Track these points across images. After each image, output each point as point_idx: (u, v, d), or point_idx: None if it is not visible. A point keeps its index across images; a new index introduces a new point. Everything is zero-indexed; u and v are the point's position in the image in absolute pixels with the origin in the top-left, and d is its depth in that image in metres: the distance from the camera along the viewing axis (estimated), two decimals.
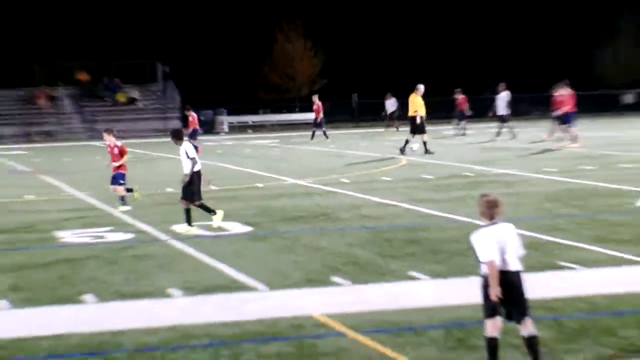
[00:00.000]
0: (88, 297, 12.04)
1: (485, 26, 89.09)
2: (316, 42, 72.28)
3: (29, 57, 69.22)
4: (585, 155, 31.37)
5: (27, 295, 12.23)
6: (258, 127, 64.63)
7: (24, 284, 12.96)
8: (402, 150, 34.70)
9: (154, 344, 9.74)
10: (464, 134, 47.59)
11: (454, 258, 13.88)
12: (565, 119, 37.16)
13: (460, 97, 49.99)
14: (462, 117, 49.73)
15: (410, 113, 35.71)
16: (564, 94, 37.37)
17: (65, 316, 11.09)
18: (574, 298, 11.19)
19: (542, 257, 13.57)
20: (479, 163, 29.65)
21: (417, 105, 35.51)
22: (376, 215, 18.68)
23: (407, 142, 35.06)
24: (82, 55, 70.71)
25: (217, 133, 60.68)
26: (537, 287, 11.63)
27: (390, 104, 57.58)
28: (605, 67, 75.87)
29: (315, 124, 48.51)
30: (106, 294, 12.16)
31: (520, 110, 70.23)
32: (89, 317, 11.05)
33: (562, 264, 13.17)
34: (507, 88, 44.23)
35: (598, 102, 70.52)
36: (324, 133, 47.32)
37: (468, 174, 26.39)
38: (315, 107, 48.40)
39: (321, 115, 48.09)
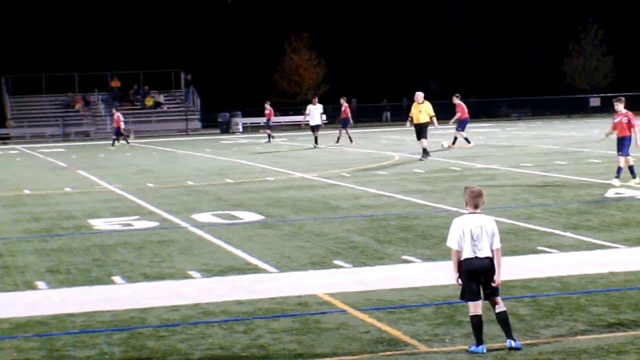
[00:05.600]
0: (117, 278, 11.92)
1: (479, 41, 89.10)
2: (320, 53, 72.28)
3: (69, 67, 69.27)
4: (558, 152, 31.20)
5: (63, 277, 12.10)
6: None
7: (60, 266, 12.84)
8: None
9: (176, 320, 9.64)
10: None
11: (443, 243, 13.72)
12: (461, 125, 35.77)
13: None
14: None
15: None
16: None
17: (97, 296, 10.96)
18: (550, 278, 11.07)
19: (521, 242, 13.46)
20: (465, 159, 29.47)
21: (413, 111, 31.19)
22: (373, 205, 18.53)
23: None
24: (115, 65, 70.78)
25: (233, 133, 60.61)
26: (517, 269, 11.54)
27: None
28: (574, 74, 75.77)
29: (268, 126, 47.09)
30: (133, 276, 12.04)
31: (501, 112, 70.61)
32: (118, 296, 10.93)
33: (539, 248, 13.04)
34: (319, 101, 42.24)
35: (569, 105, 70.46)
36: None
37: (455, 168, 26.22)
38: (267, 111, 46.30)
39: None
